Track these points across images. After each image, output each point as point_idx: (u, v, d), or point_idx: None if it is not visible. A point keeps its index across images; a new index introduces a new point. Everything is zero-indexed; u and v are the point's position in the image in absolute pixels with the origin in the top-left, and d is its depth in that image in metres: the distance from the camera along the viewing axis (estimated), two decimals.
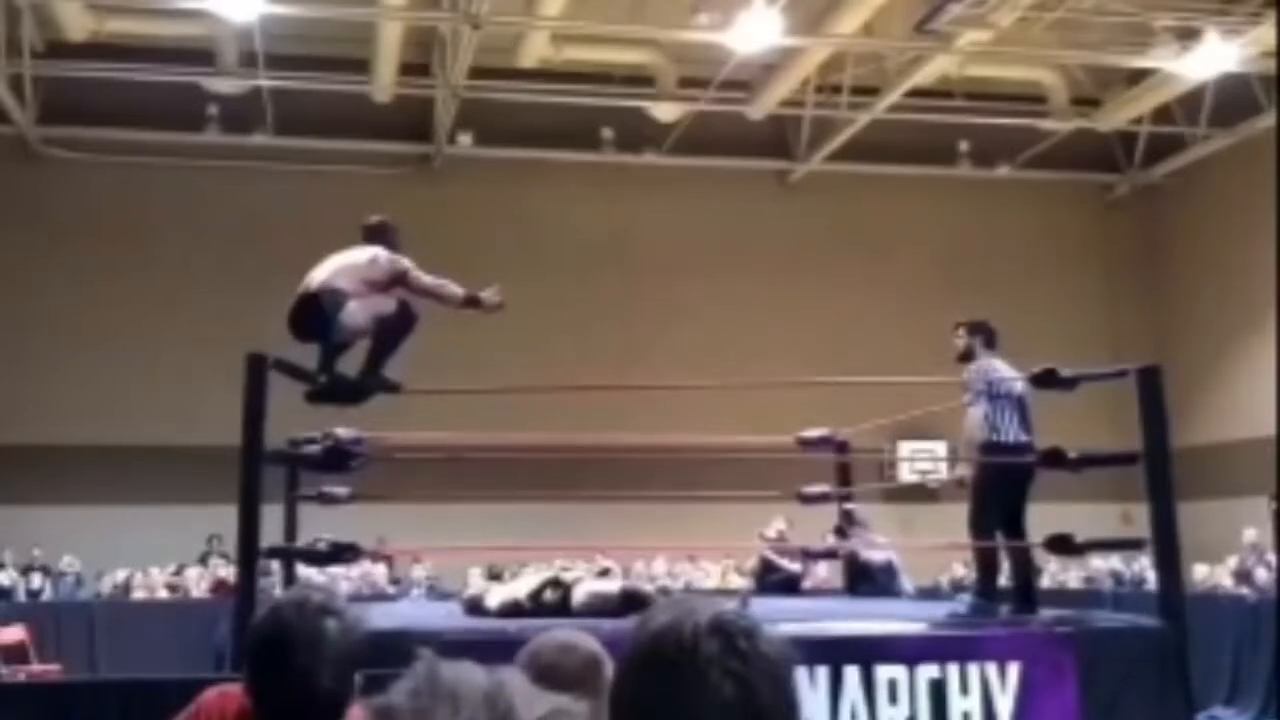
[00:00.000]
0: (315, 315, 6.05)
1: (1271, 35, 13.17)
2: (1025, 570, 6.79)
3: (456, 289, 6.33)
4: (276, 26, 14.14)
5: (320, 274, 6.16)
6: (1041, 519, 6.66)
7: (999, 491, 6.63)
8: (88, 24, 14.57)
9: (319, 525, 7.24)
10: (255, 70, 14.92)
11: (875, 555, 9.75)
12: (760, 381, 13.81)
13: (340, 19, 14.34)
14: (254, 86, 15.35)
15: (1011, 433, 6.56)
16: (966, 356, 6.86)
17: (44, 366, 15.54)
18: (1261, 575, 12.58)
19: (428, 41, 15.61)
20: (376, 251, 6.30)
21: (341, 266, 6.18)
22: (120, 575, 14.05)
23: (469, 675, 1.01)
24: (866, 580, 9.64)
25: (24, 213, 15.95)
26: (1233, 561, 13.19)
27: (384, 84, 15.47)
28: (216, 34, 14.71)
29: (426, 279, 6.31)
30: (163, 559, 14.39)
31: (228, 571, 12.91)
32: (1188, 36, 13.98)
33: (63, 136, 15.95)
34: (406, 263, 6.31)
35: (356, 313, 6.07)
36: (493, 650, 1.16)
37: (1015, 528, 6.68)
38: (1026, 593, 6.67)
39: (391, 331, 6.27)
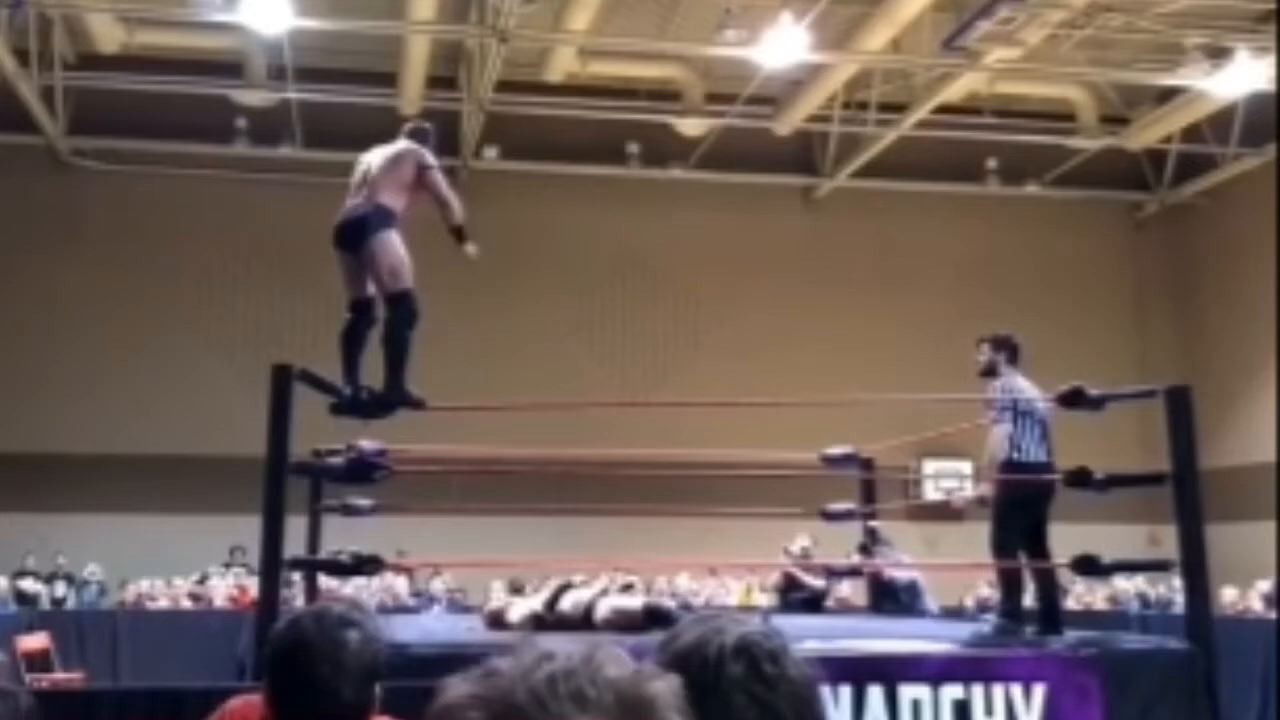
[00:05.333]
0: (362, 228, 6.32)
1: None
2: (1050, 591, 6.73)
3: (460, 211, 6.58)
4: (305, 40, 14.23)
5: (372, 185, 6.42)
6: (1067, 539, 6.60)
7: (1020, 511, 6.57)
8: (118, 36, 14.68)
9: (342, 537, 7.24)
10: (283, 83, 15.02)
11: (899, 574, 9.67)
12: (785, 399, 13.76)
13: (368, 33, 14.43)
14: (282, 99, 15.44)
15: (1033, 452, 6.50)
16: (989, 372, 6.80)
17: (68, 376, 15.63)
18: None
19: (455, 55, 15.68)
20: (405, 147, 6.62)
21: (385, 180, 6.43)
22: (144, 584, 14.09)
23: (562, 642, 1.03)
24: (890, 599, 9.58)
25: (53, 223, 16.07)
26: (1264, 585, 13.02)
27: (411, 97, 15.53)
28: (245, 47, 14.81)
29: (444, 184, 6.64)
30: (186, 568, 14.43)
31: (251, 582, 12.93)
32: (1218, 55, 13.90)
33: (92, 147, 16.08)
34: (431, 159, 6.64)
35: (389, 241, 6.27)
36: None
37: (1038, 548, 6.62)
38: (1052, 614, 6.61)
39: (398, 335, 6.39)
